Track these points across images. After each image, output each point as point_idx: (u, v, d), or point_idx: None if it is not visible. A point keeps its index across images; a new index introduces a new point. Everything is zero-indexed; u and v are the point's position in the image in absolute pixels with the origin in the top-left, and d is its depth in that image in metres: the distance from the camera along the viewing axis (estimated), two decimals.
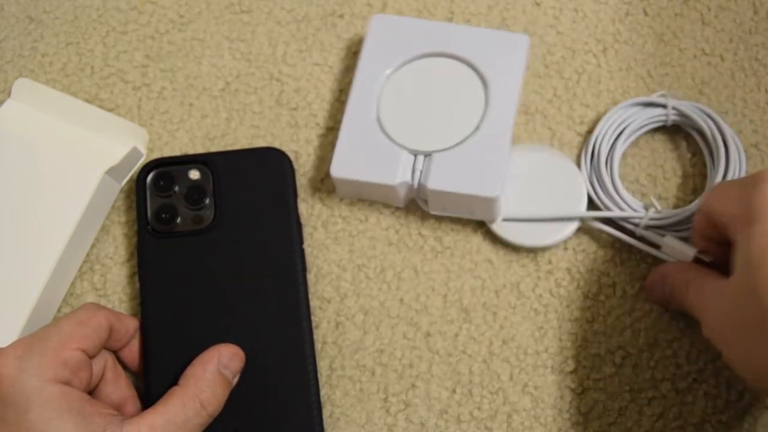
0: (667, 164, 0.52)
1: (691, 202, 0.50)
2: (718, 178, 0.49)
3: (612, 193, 0.50)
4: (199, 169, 0.50)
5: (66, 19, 0.57)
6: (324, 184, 0.52)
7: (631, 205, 0.50)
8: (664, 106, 0.52)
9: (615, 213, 0.49)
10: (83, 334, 0.42)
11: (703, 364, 0.48)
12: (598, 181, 0.50)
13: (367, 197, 0.51)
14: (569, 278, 0.50)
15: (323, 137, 0.53)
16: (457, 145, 0.49)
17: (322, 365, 0.48)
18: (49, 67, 0.55)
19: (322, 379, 0.48)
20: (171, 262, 0.48)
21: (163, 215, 0.49)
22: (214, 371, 0.43)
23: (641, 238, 0.49)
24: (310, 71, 0.55)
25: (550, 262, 0.50)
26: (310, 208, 0.51)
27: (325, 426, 0.46)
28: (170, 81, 0.55)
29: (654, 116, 0.52)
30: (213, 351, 0.44)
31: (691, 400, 0.47)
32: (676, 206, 0.51)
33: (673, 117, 0.52)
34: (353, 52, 0.55)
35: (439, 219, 0.51)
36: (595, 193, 0.50)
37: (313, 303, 0.49)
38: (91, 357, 0.42)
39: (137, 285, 0.48)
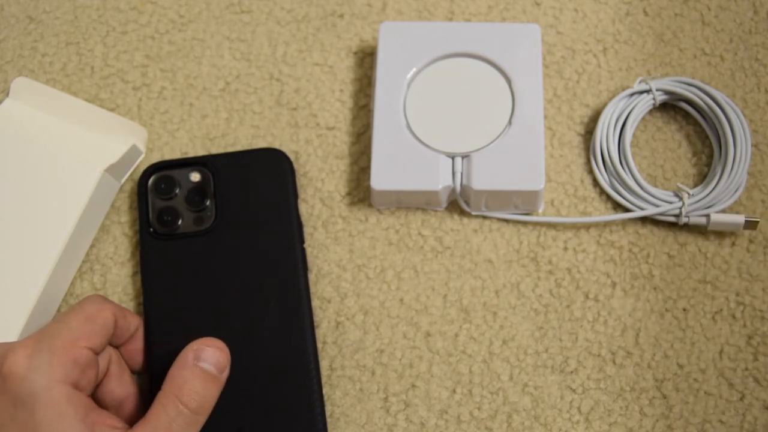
0: (671, 144, 0.53)
1: (707, 174, 0.52)
2: (724, 140, 0.50)
3: (640, 192, 0.50)
4: (200, 171, 0.50)
5: (66, 19, 0.57)
6: (324, 184, 0.52)
7: (664, 198, 0.50)
8: (648, 91, 0.52)
9: (650, 211, 0.49)
10: (91, 331, 0.41)
11: (704, 365, 0.48)
12: (620, 183, 0.51)
13: (407, 204, 0.51)
14: (569, 278, 0.50)
15: (323, 137, 0.53)
16: (492, 142, 0.49)
17: (322, 365, 0.48)
18: (49, 67, 0.55)
19: (322, 379, 0.47)
20: (173, 264, 0.48)
21: (165, 217, 0.49)
22: (191, 367, 0.41)
23: (685, 225, 0.50)
24: (310, 71, 0.55)
25: (550, 262, 0.50)
26: (310, 208, 0.51)
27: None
28: (170, 81, 0.55)
29: (641, 102, 0.52)
30: (188, 348, 0.42)
31: (692, 400, 0.47)
32: (700, 182, 0.52)
33: (660, 97, 0.52)
34: (353, 52, 0.55)
35: (440, 218, 0.51)
36: (621, 195, 0.50)
37: (313, 303, 0.49)
38: (98, 354, 0.42)
39: (139, 287, 0.48)
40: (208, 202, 0.49)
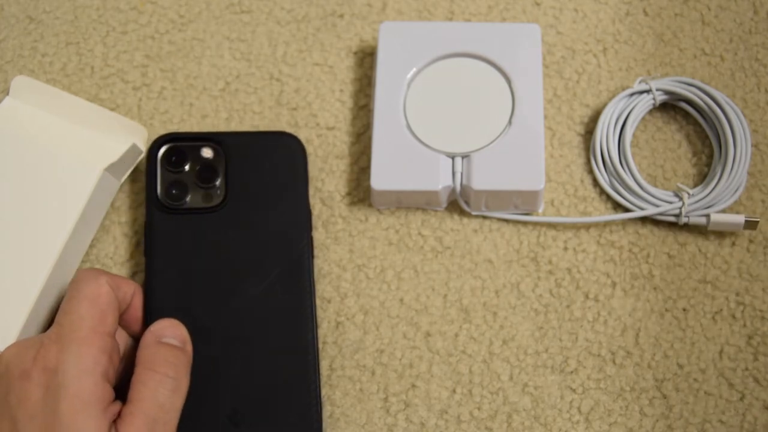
0: (671, 144, 0.53)
1: (707, 174, 0.52)
2: (724, 140, 0.50)
3: (640, 192, 0.50)
4: (212, 148, 0.50)
5: (66, 19, 0.57)
6: (324, 184, 0.52)
7: (664, 198, 0.50)
8: (648, 91, 0.52)
9: (650, 211, 0.50)
10: (101, 314, 0.42)
11: (704, 365, 0.48)
12: (620, 183, 0.51)
13: (407, 204, 0.51)
14: (569, 278, 0.50)
15: (323, 137, 0.53)
16: (492, 142, 0.50)
17: (322, 365, 0.48)
18: (49, 67, 0.55)
19: (322, 380, 0.47)
20: (178, 238, 0.48)
21: (173, 191, 0.49)
22: (155, 344, 0.43)
23: (685, 225, 0.50)
24: (310, 71, 0.55)
25: (550, 262, 0.50)
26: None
27: (326, 426, 0.46)
28: (170, 81, 0.55)
29: (641, 102, 0.52)
30: (146, 331, 0.43)
31: (692, 400, 0.47)
32: (700, 182, 0.52)
33: (660, 97, 0.52)
34: (353, 52, 0.55)
35: (440, 219, 0.51)
36: (621, 195, 0.50)
37: None
38: (114, 333, 0.43)
39: (143, 258, 0.48)
40: (218, 180, 0.49)
